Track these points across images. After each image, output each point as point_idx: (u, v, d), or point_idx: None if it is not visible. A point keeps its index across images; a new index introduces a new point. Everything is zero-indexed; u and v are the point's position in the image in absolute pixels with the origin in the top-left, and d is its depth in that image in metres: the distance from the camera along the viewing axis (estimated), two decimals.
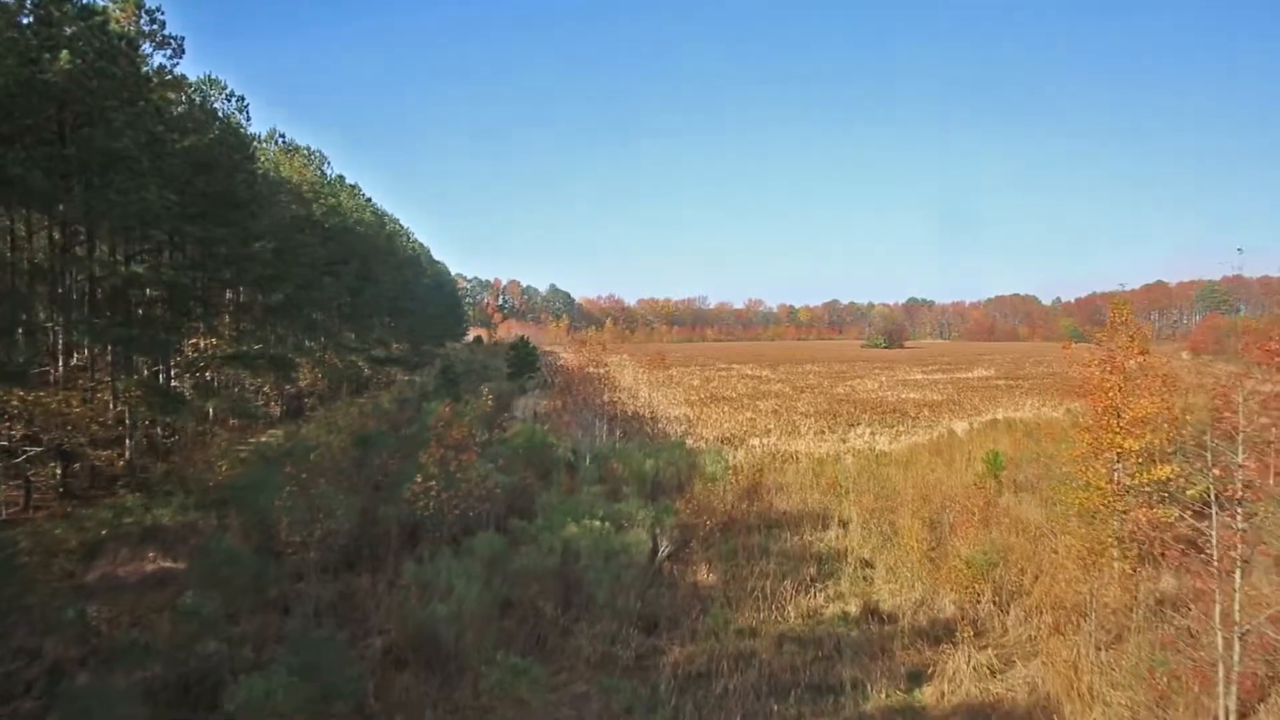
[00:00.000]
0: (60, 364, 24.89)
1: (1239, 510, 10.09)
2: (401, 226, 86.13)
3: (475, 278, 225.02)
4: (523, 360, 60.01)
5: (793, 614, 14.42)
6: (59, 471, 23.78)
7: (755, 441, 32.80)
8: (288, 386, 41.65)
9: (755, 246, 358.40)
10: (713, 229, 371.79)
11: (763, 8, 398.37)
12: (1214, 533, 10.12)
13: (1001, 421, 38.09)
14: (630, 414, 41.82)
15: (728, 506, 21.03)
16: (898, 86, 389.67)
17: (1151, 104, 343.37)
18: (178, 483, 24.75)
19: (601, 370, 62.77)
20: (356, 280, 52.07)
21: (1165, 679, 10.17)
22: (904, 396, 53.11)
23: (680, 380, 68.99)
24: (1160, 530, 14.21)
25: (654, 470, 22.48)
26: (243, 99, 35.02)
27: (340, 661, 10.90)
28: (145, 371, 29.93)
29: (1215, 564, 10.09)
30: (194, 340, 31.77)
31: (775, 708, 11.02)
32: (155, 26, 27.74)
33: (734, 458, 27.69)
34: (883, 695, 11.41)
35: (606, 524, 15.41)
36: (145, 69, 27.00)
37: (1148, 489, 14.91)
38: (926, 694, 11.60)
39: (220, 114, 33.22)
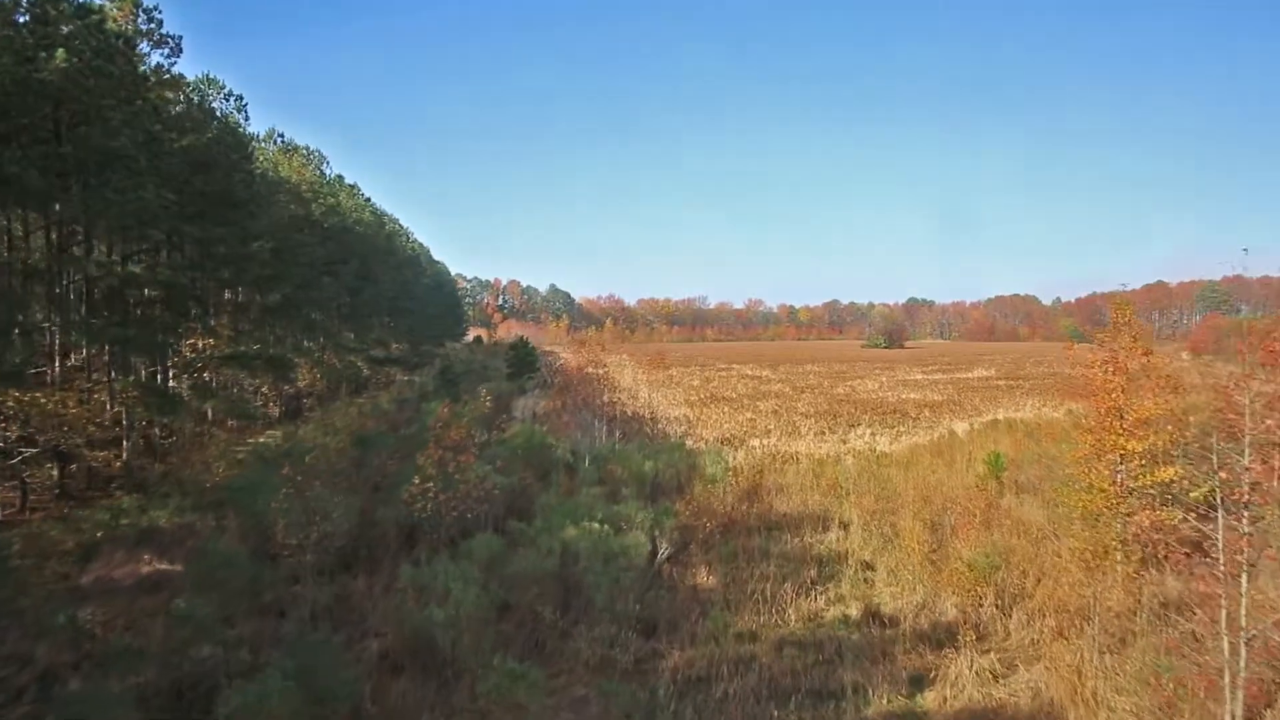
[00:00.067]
0: (57, 364, 24.78)
1: (1245, 514, 9.96)
2: (401, 226, 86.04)
3: (475, 278, 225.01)
4: (522, 360, 59.88)
5: (793, 617, 14.30)
6: (55, 473, 23.66)
7: (755, 442, 32.67)
8: (286, 387, 41.52)
9: (755, 246, 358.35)
10: (713, 229, 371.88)
11: (763, 8, 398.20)
12: (1220, 536, 10.00)
13: (1002, 422, 37.96)
14: (630, 414, 41.69)
15: (728, 508, 20.90)
16: (898, 86, 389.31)
17: (1151, 104, 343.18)
18: (175, 484, 24.63)
19: (601, 371, 62.69)
20: (356, 280, 51.94)
21: (1172, 686, 10.03)
22: (904, 397, 52.99)
23: (680, 380, 68.87)
24: (1164, 533, 14.09)
25: (653, 472, 22.36)
26: (241, 98, 34.93)
27: (336, 666, 10.77)
28: (143, 372, 29.82)
29: (1221, 568, 9.96)
30: (192, 341, 31.63)
31: (775, 713, 10.90)
32: (153, 25, 27.61)
33: (734, 459, 27.56)
34: (884, 700, 11.29)
35: (605, 526, 15.28)
36: (143, 68, 26.87)
37: (1152, 491, 14.78)
38: (928, 699, 11.48)
39: (218, 113, 33.10)
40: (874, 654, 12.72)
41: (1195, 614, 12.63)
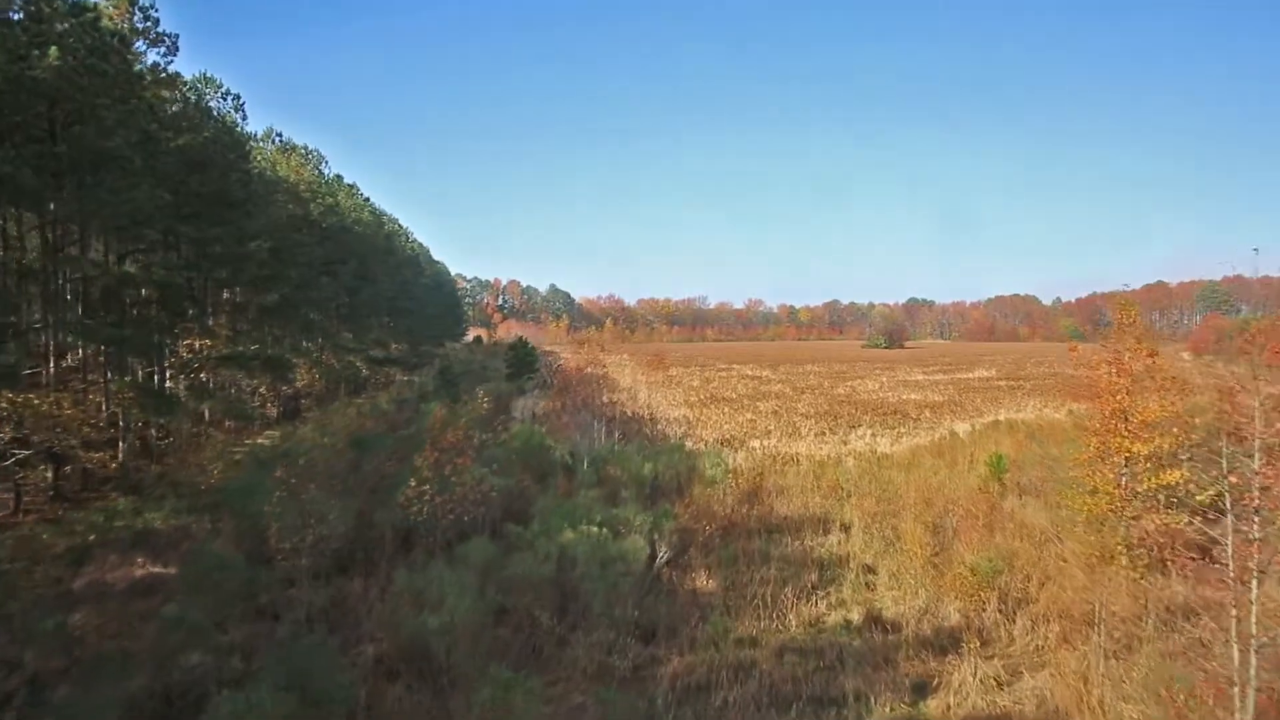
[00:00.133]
0: (52, 365, 24.57)
1: (1256, 519, 9.76)
2: (400, 226, 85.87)
3: (475, 278, 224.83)
4: (521, 361, 59.67)
5: (794, 622, 14.11)
6: (50, 474, 23.48)
7: (755, 443, 32.48)
8: (284, 387, 41.32)
9: (755, 246, 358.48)
10: (713, 229, 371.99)
11: (763, 8, 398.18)
12: (1229, 542, 9.80)
13: (1003, 423, 37.77)
14: (629, 415, 41.49)
15: (727, 510, 20.71)
16: (898, 86, 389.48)
17: (1151, 104, 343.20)
18: (170, 486, 24.46)
19: (600, 371, 62.54)
20: (354, 280, 51.75)
21: (1183, 696, 9.83)
22: (905, 397, 52.80)
23: (680, 381, 68.67)
24: (1171, 537, 13.89)
25: (653, 473, 22.17)
26: (238, 97, 34.75)
27: (330, 671, 10.57)
28: (139, 373, 29.62)
29: (1230, 575, 9.76)
30: (189, 341, 31.43)
31: None
32: (149, 24, 27.46)
33: (734, 460, 27.36)
34: (887, 708, 11.10)
35: (604, 530, 15.09)
36: (139, 67, 26.70)
37: (1160, 496, 14.58)
38: (931, 707, 11.28)
39: (215, 112, 32.90)
40: (876, 660, 12.52)
41: (1202, 619, 12.45)
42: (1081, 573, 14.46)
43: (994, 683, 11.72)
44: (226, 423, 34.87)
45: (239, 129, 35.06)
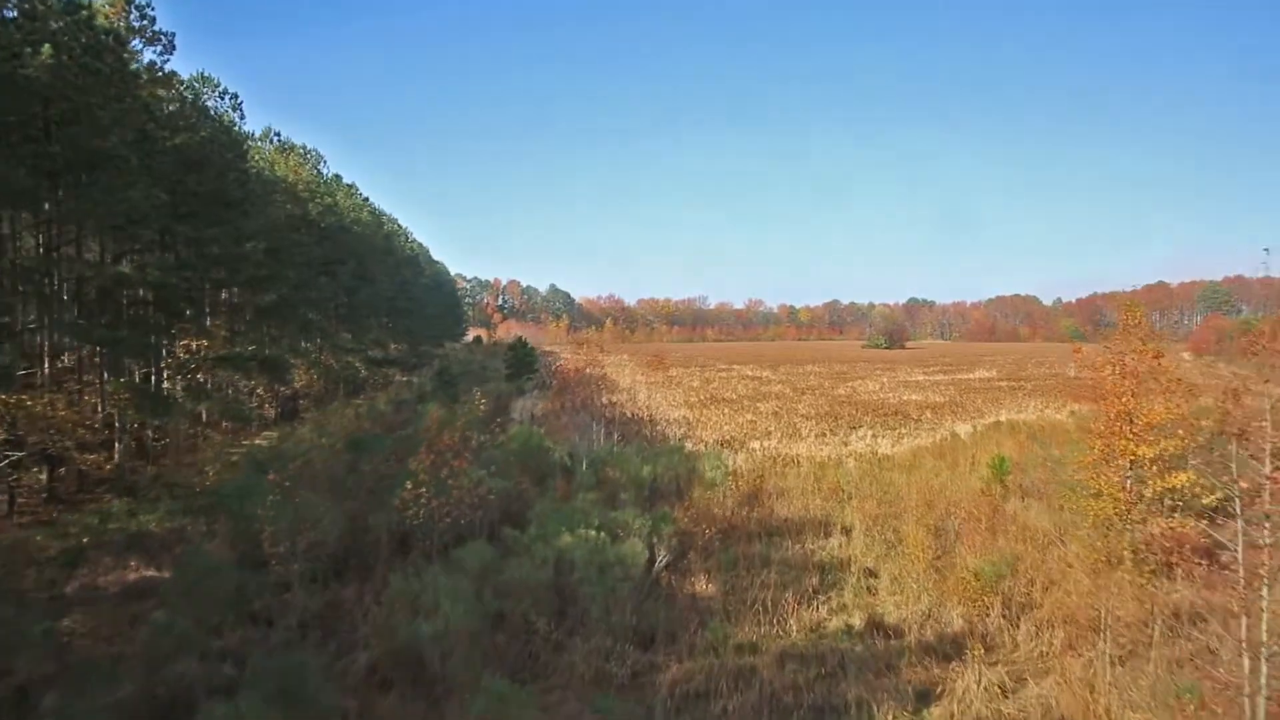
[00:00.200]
0: (46, 366, 24.39)
1: (1266, 524, 9.57)
2: (400, 226, 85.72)
3: (475, 278, 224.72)
4: (521, 361, 59.50)
5: (795, 628, 13.90)
6: (44, 476, 23.31)
7: (756, 444, 32.28)
8: (282, 388, 41.15)
9: (755, 246, 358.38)
10: (713, 229, 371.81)
11: (763, 8, 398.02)
12: (1240, 548, 9.61)
13: (1005, 424, 37.58)
14: (629, 416, 41.30)
15: (727, 513, 20.50)
16: (898, 86, 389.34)
17: (1152, 104, 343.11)
18: (165, 488, 24.27)
19: (599, 372, 62.36)
20: (353, 280, 51.58)
21: (1193, 707, 9.63)
22: (906, 398, 52.60)
23: (680, 381, 68.48)
24: (1177, 542, 13.71)
25: (652, 476, 21.96)
26: (236, 96, 34.60)
27: (317, 683, 10.37)
28: (136, 374, 29.45)
29: (1241, 583, 9.58)
30: (186, 341, 31.26)
31: None
32: (145, 22, 27.27)
33: (734, 462, 27.16)
34: (889, 717, 10.89)
35: (602, 534, 14.89)
36: (135, 65, 26.52)
37: (1170, 500, 14.39)
38: (935, 715, 11.08)
39: (213, 112, 32.73)
40: (878, 667, 12.32)
41: (1209, 625, 12.27)
42: (1086, 577, 14.28)
43: (998, 690, 11.51)
44: (224, 424, 34.71)
45: (236, 128, 34.93)
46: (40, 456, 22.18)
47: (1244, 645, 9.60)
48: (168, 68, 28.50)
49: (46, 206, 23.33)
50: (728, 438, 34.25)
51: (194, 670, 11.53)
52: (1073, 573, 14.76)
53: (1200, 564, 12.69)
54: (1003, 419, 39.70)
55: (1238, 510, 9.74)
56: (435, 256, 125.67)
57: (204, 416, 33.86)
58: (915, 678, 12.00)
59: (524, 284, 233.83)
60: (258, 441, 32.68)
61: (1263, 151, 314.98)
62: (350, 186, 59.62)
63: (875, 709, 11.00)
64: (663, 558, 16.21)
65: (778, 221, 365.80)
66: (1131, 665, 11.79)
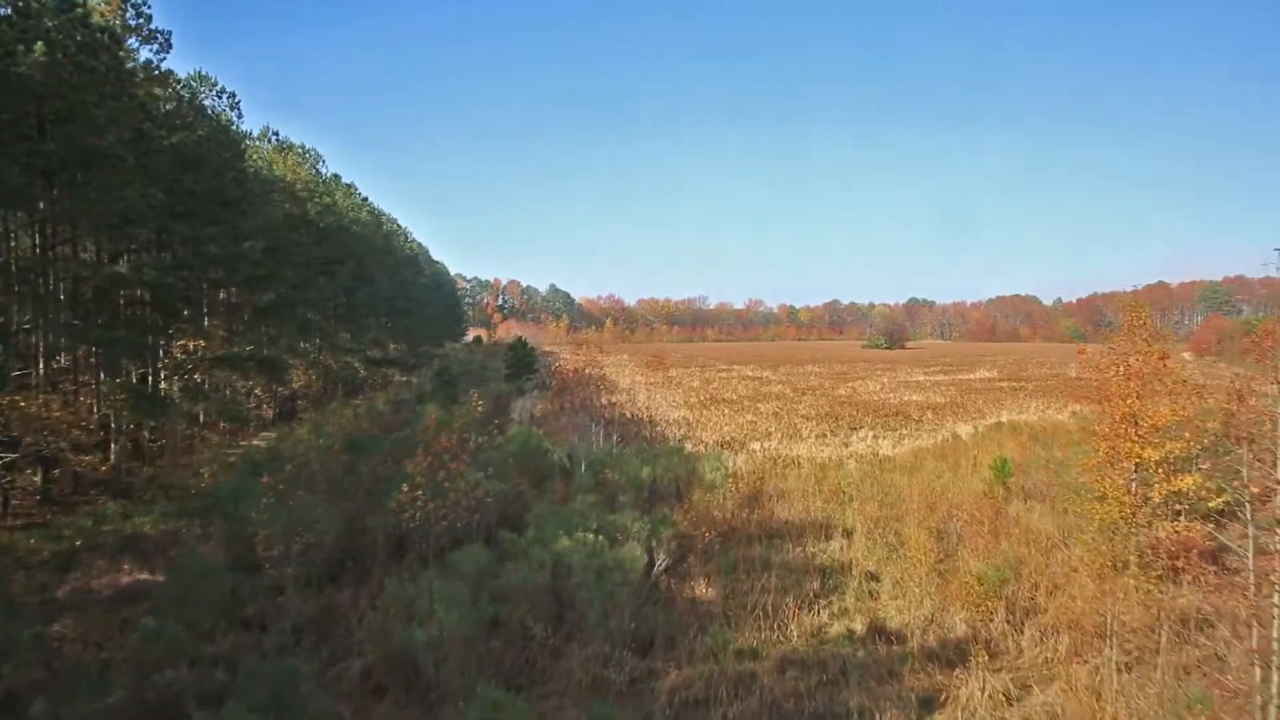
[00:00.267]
0: (41, 366, 24.21)
1: (1278, 530, 9.38)
2: (399, 226, 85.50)
3: (475, 278, 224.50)
4: (520, 361, 59.28)
5: (795, 633, 13.70)
6: (39, 478, 23.11)
7: (756, 445, 32.07)
8: (280, 389, 40.97)
9: (755, 246, 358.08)
10: (713, 229, 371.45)
11: (763, 8, 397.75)
12: (1250, 555, 9.42)
13: (1006, 424, 37.40)
14: (628, 417, 41.10)
15: (727, 515, 20.30)
16: (898, 86, 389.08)
17: (1151, 104, 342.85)
18: (161, 489, 24.08)
19: (599, 372, 62.15)
20: (352, 280, 51.37)
21: (1203, 716, 9.43)
22: (906, 398, 52.39)
23: (680, 381, 68.27)
24: (1184, 546, 13.50)
25: (651, 477, 21.76)
26: (234, 95, 34.36)
27: (311, 690, 10.18)
28: (133, 374, 29.25)
29: (1251, 589, 9.38)
30: (183, 342, 31.07)
31: None
32: (141, 20, 27.07)
33: (734, 463, 26.96)
34: None
35: (600, 537, 14.69)
36: (131, 64, 26.32)
37: (1178, 505, 14.17)
38: None
39: (210, 111, 32.53)
40: (881, 674, 12.12)
41: (1217, 631, 12.07)
42: (1091, 582, 14.07)
43: (1003, 698, 11.32)
44: (221, 424, 34.50)
45: (234, 127, 34.70)
46: (35, 458, 21.98)
47: (1255, 653, 9.42)
48: (164, 66, 28.33)
49: (41, 206, 23.14)
50: (728, 439, 34.04)
51: (185, 676, 11.35)
52: (1077, 577, 14.56)
53: (1208, 569, 12.49)
54: (1004, 420, 39.51)
55: (1249, 516, 9.54)
56: (435, 256, 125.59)
57: (201, 417, 33.67)
58: (918, 685, 11.81)
59: (524, 284, 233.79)
60: (255, 442, 32.49)
61: (1263, 151, 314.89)
62: (349, 186, 59.43)
63: (878, 717, 10.81)
64: (662, 561, 16.02)
65: (778, 221, 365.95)
66: (1138, 672, 11.60)
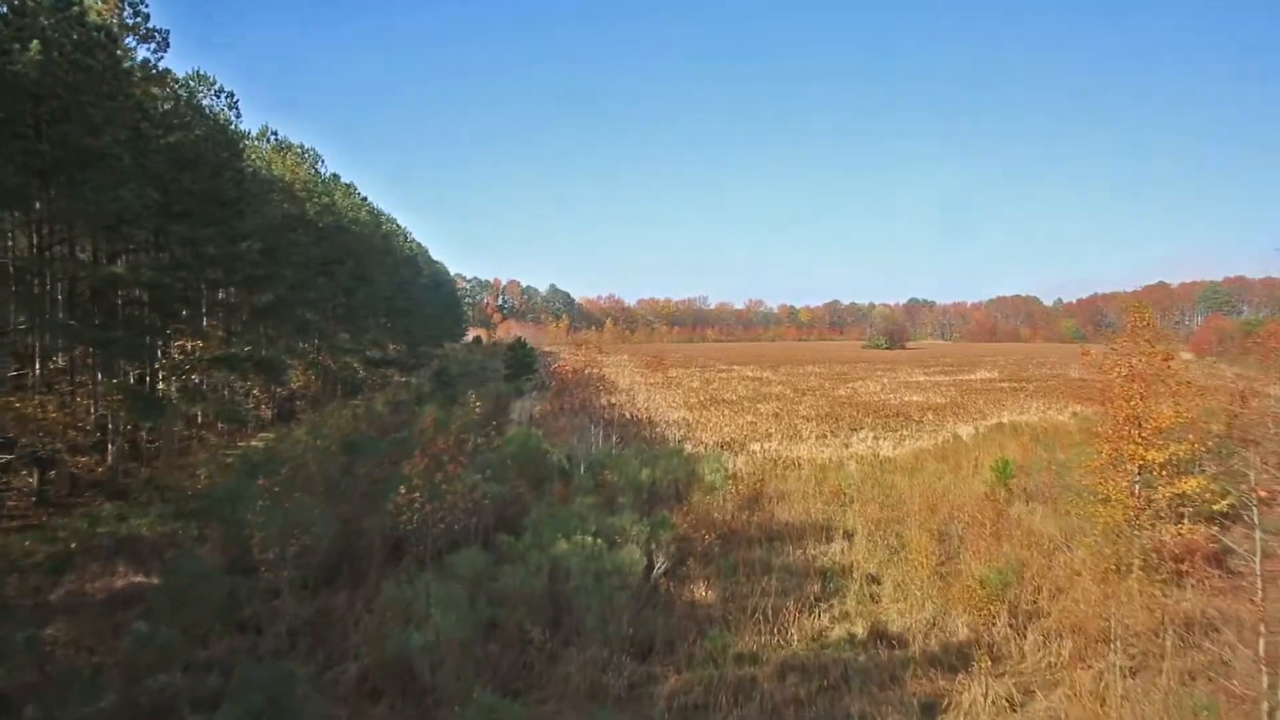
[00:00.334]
0: (38, 367, 24.08)
1: None
2: (399, 226, 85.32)
3: (475, 278, 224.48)
4: (520, 362, 59.16)
5: (796, 637, 13.56)
6: (34, 479, 22.97)
7: (756, 446, 31.94)
8: (279, 389, 40.83)
9: (755, 246, 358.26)
10: (713, 229, 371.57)
11: (763, 8, 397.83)
12: (1257, 559, 9.29)
13: (1007, 425, 37.26)
14: (628, 418, 40.96)
15: (727, 517, 20.16)
16: (898, 86, 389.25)
17: (1151, 104, 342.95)
18: (157, 491, 23.94)
19: (598, 372, 62.02)
20: (351, 280, 51.22)
21: None
22: (907, 399, 52.26)
23: (680, 382, 68.14)
24: (1189, 549, 13.38)
25: (650, 479, 21.63)
26: (232, 95, 34.23)
27: (307, 694, 10.06)
28: (131, 375, 29.13)
29: (1258, 593, 9.25)
30: (180, 342, 30.93)
31: None
32: (138, 19, 26.97)
33: (734, 464, 26.82)
34: None
35: (599, 540, 14.56)
36: (128, 63, 26.21)
37: (1182, 508, 14.06)
38: None
39: (208, 110, 32.39)
40: (882, 679, 11.98)
41: (1222, 636, 11.94)
42: (1094, 585, 13.95)
43: (1006, 703, 11.18)
44: (219, 425, 34.37)
45: (232, 127, 34.55)
46: (31, 459, 21.85)
47: (1261, 658, 9.29)
48: (162, 65, 28.22)
49: (37, 205, 23.01)
50: (728, 440, 33.91)
51: (178, 681, 11.23)
52: (1081, 580, 14.43)
53: (1213, 573, 12.37)
54: (1005, 420, 39.37)
55: (1255, 520, 9.42)
56: (435, 256, 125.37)
57: (199, 418, 33.54)
58: (920, 690, 11.67)
59: (524, 284, 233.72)
60: (254, 443, 32.36)
61: (1263, 151, 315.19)
62: (348, 186, 59.29)
63: None
64: (661, 564, 15.88)
65: (778, 221, 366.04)
66: (1143, 677, 11.46)
